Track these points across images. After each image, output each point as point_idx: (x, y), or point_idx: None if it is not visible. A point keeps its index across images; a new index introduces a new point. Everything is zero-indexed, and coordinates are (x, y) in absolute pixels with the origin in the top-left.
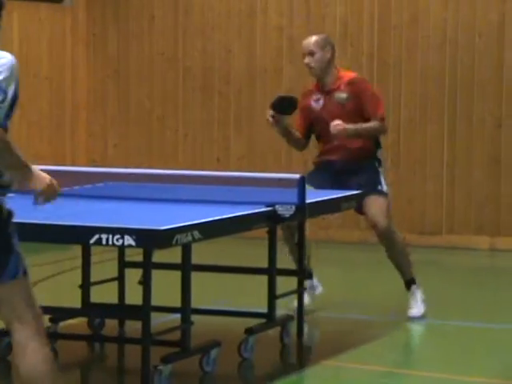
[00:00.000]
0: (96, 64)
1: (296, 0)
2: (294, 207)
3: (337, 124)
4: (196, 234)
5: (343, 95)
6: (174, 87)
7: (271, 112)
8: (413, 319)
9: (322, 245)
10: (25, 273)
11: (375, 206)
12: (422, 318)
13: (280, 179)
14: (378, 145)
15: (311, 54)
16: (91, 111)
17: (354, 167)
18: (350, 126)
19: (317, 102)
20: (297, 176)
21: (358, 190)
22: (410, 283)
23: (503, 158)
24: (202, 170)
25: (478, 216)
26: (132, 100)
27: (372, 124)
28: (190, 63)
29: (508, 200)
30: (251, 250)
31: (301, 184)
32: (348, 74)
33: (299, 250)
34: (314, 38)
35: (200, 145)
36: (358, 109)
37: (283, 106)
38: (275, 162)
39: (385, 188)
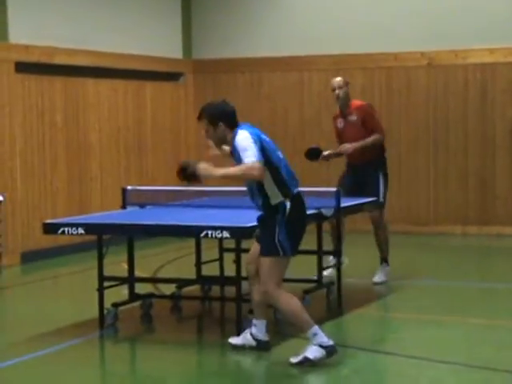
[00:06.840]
0: None
1: None
2: (333, 209)
3: (344, 146)
4: None
5: (354, 117)
6: None
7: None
8: (375, 283)
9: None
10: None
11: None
12: (382, 283)
13: (322, 192)
14: (381, 153)
15: (340, 88)
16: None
17: (362, 171)
18: (355, 145)
19: (340, 123)
20: (334, 189)
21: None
22: (383, 260)
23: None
24: None
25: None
26: None
27: (372, 138)
28: None
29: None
30: (308, 238)
31: (337, 194)
32: (356, 103)
33: (337, 237)
34: (339, 78)
35: None
36: (363, 126)
37: (312, 154)
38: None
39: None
